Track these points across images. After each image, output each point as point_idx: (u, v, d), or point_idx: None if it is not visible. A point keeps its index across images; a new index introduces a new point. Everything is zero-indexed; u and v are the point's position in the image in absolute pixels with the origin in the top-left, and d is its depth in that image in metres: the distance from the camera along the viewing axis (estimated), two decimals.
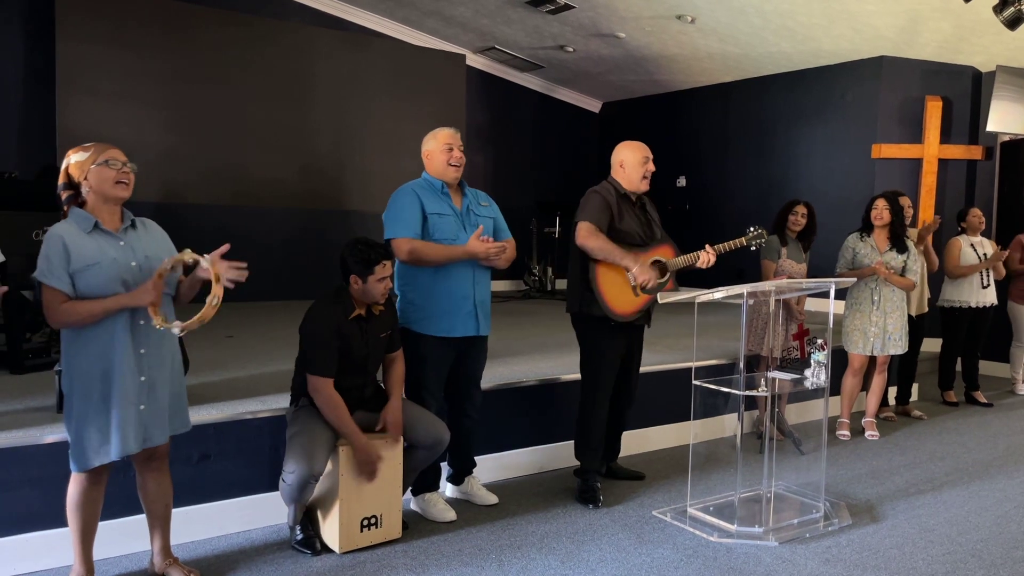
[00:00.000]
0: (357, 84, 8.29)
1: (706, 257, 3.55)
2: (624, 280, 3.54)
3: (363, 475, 3.01)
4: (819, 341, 3.56)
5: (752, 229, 3.69)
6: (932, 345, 6.26)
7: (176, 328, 2.36)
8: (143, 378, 2.49)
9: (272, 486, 3.22)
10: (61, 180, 2.46)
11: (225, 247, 2.48)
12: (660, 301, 3.50)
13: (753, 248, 3.76)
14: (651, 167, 3.65)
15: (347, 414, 2.98)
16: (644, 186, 3.64)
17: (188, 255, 2.43)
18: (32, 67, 6.83)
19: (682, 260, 3.61)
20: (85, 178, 2.43)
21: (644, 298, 3.57)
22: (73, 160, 2.45)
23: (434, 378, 3.36)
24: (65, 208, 2.47)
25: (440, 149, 3.36)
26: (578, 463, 3.77)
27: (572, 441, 4.11)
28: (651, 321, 3.76)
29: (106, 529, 2.77)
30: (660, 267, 3.59)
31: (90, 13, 6.81)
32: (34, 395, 3.43)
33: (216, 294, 2.33)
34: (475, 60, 9.48)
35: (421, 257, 3.23)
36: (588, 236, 3.48)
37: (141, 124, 7.03)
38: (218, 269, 2.36)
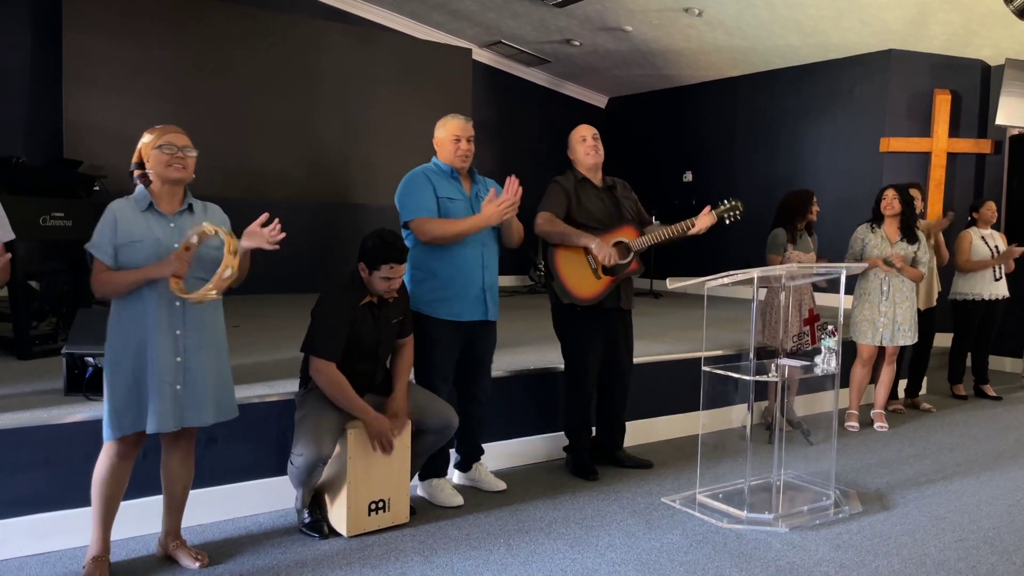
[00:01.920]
0: (363, 78, 8.29)
1: (700, 225, 3.62)
2: (584, 263, 3.64)
3: (380, 447, 2.99)
4: (830, 327, 3.54)
5: (724, 202, 3.69)
6: (942, 339, 6.23)
7: (192, 297, 2.40)
8: (179, 359, 2.52)
9: (280, 470, 3.21)
10: (134, 159, 2.56)
11: (264, 216, 2.58)
12: (670, 287, 3.48)
13: (728, 222, 3.74)
14: (592, 143, 3.80)
15: (352, 391, 2.96)
16: (590, 160, 3.78)
17: (208, 227, 2.45)
18: (39, 59, 6.84)
19: (647, 239, 3.69)
20: (148, 159, 2.53)
21: (606, 280, 3.63)
22: (143, 141, 2.55)
23: (445, 362, 3.35)
24: (134, 186, 2.57)
25: (449, 139, 3.37)
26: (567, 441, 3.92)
27: None
28: (631, 303, 3.81)
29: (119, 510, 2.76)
30: (623, 248, 3.66)
31: (97, 5, 6.82)
32: (42, 379, 3.42)
33: (228, 264, 2.37)
34: (481, 54, 9.47)
35: (440, 233, 3.24)
36: (544, 223, 3.63)
37: (147, 117, 6.94)
38: (233, 241, 2.40)
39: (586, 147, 3.80)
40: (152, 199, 2.53)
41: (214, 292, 2.40)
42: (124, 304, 2.49)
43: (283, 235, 2.56)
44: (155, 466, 2.78)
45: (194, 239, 2.45)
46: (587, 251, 3.65)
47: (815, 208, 4.82)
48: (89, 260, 2.48)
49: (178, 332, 2.53)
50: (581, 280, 3.64)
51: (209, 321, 2.62)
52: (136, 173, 2.57)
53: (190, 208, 2.60)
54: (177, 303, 2.51)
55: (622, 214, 3.80)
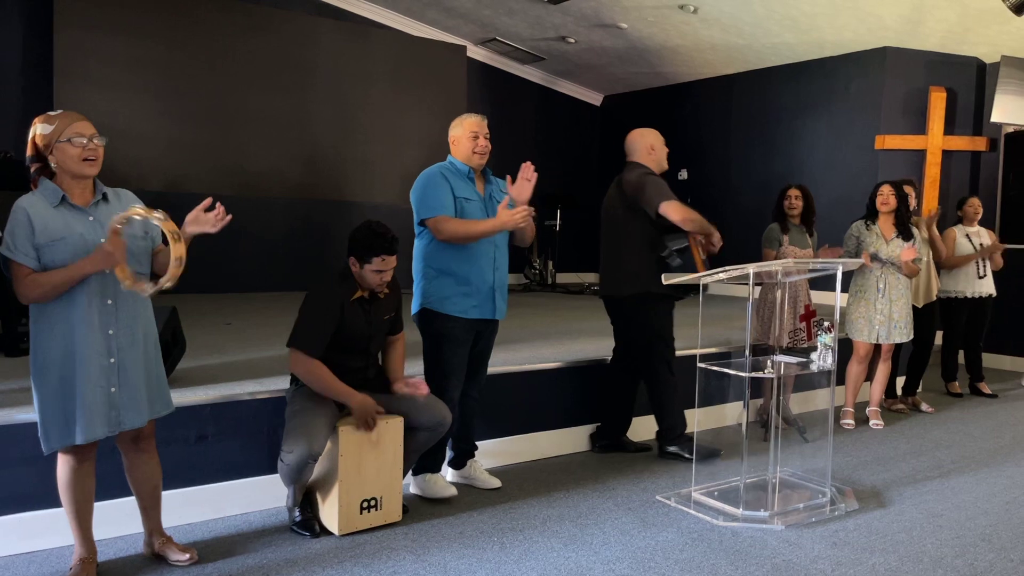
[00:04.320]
0: (358, 75, 8.25)
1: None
2: (697, 253, 3.82)
3: (362, 427, 2.95)
4: (826, 323, 3.52)
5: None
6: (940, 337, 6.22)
7: (148, 288, 2.29)
8: (112, 360, 2.38)
9: (271, 468, 3.17)
10: (28, 152, 2.34)
11: (207, 201, 2.42)
12: (665, 282, 3.46)
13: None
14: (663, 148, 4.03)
15: (332, 376, 2.92)
16: (666, 165, 4.03)
17: (136, 210, 2.29)
18: (31, 54, 6.78)
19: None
20: (51, 152, 2.31)
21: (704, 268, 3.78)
22: (38, 131, 2.33)
23: (456, 358, 3.33)
24: (34, 180, 2.37)
25: (466, 136, 3.36)
26: (678, 431, 4.03)
27: (573, 428, 4.10)
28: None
29: (101, 510, 2.73)
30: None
31: (89, 0, 6.76)
32: (27, 376, 3.36)
33: (179, 254, 2.25)
34: (476, 52, 9.44)
35: (459, 233, 3.22)
36: (679, 209, 3.74)
37: (140, 113, 6.99)
38: (172, 226, 2.26)
39: (662, 149, 4.02)
40: (63, 192, 2.33)
41: (169, 282, 2.26)
42: (48, 306, 2.31)
43: (228, 218, 2.41)
44: None
45: (118, 224, 2.28)
46: (694, 240, 3.83)
47: (788, 203, 4.78)
48: (3, 265, 2.29)
49: (111, 331, 2.37)
50: (702, 266, 3.80)
51: (140, 312, 2.47)
52: (34, 167, 2.35)
53: (104, 198, 2.43)
54: (109, 300, 2.37)
55: None
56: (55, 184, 2.35)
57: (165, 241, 2.39)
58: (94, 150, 2.34)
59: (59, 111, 2.40)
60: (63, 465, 2.46)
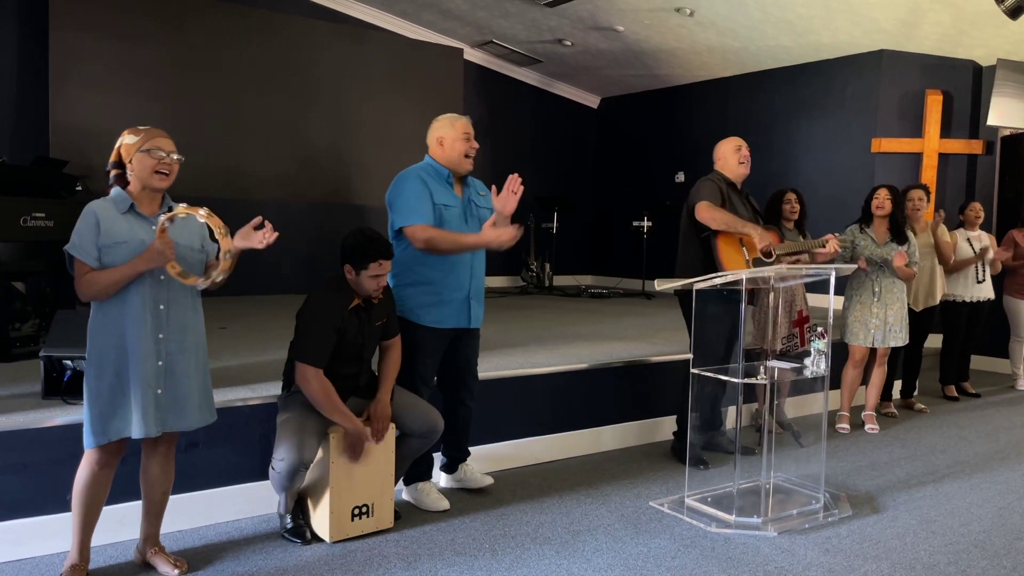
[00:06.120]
0: (354, 78, 8.25)
1: (830, 248, 4.14)
2: (738, 250, 3.89)
3: (347, 452, 2.94)
4: (819, 329, 3.51)
5: (843, 237, 4.21)
6: (933, 340, 6.21)
7: (200, 282, 2.43)
8: (161, 363, 2.48)
9: (262, 475, 3.16)
10: (112, 158, 2.50)
11: (259, 219, 2.56)
12: (658, 288, 3.46)
13: (840, 251, 4.24)
14: (745, 153, 4.08)
15: (338, 399, 2.92)
16: (743, 170, 4.07)
17: (181, 209, 2.42)
18: (25, 57, 6.77)
19: (788, 246, 4.10)
20: (130, 161, 2.47)
21: (751, 269, 3.83)
22: (125, 141, 2.49)
23: (427, 367, 3.31)
24: (111, 186, 2.52)
25: (459, 137, 3.26)
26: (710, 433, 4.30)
27: (567, 433, 4.09)
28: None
29: None
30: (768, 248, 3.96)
31: (84, 3, 6.75)
32: (21, 382, 3.37)
33: (226, 248, 2.39)
34: (472, 54, 9.43)
35: (438, 245, 3.15)
36: (708, 209, 3.84)
37: (134, 116, 6.92)
38: (217, 221, 2.40)
39: (740, 156, 4.06)
40: (132, 201, 2.48)
41: (222, 275, 2.42)
42: (105, 306, 2.44)
43: (276, 235, 2.54)
44: (134, 471, 2.73)
45: (166, 223, 2.42)
46: (741, 241, 3.92)
47: (789, 207, 4.79)
48: (68, 263, 2.43)
49: (160, 335, 2.48)
50: (734, 264, 3.87)
51: (191, 323, 2.58)
52: (113, 173, 2.51)
53: (170, 211, 2.54)
54: (161, 306, 2.48)
55: (759, 222, 4.09)
56: (126, 192, 2.49)
57: (214, 239, 2.52)
58: (169, 165, 2.49)
59: (147, 126, 2.55)
60: (86, 466, 2.50)
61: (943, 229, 5.54)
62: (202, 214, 2.40)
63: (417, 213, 3.16)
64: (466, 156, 3.28)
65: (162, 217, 2.42)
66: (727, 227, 3.85)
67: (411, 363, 3.28)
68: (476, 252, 3.33)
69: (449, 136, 3.27)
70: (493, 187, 3.29)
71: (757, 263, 3.90)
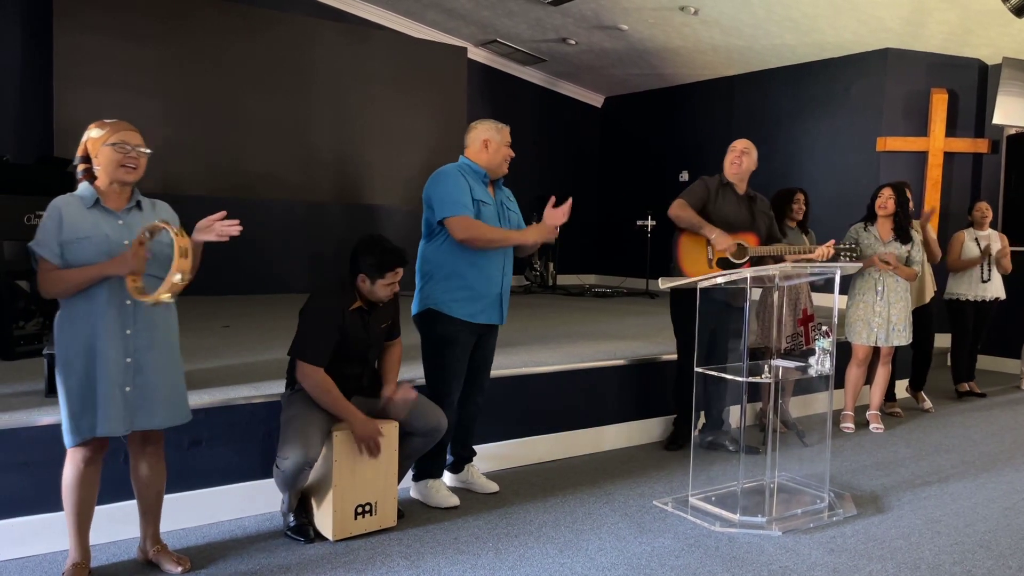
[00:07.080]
0: (357, 77, 8.24)
1: (818, 253, 3.99)
2: (702, 251, 3.99)
3: (367, 451, 2.95)
4: (824, 327, 3.49)
5: (846, 243, 4.19)
6: (941, 339, 6.19)
7: (146, 299, 2.31)
8: (129, 359, 2.43)
9: (265, 473, 3.16)
10: (79, 152, 2.46)
11: (222, 213, 2.48)
12: (662, 286, 3.46)
13: (843, 259, 4.15)
14: (736, 155, 4.13)
15: (340, 394, 2.92)
16: (734, 170, 4.13)
17: (161, 223, 2.36)
18: (30, 56, 6.78)
19: (765, 249, 4.05)
20: (96, 155, 2.43)
21: (716, 270, 3.90)
22: (91, 135, 2.45)
23: (459, 362, 3.31)
24: (78, 180, 2.47)
25: (504, 143, 3.35)
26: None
27: (570, 431, 4.08)
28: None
29: (95, 514, 2.70)
30: (742, 249, 3.99)
31: (88, 3, 6.76)
32: (24, 380, 3.37)
33: (179, 268, 2.26)
34: (477, 53, 9.43)
35: (479, 236, 3.19)
36: (677, 208, 4.00)
37: (138, 114, 6.94)
38: (184, 242, 2.29)
39: (731, 157, 4.16)
40: (99, 196, 2.42)
41: (167, 296, 2.29)
42: (72, 303, 2.39)
43: (239, 230, 2.46)
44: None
45: (146, 234, 2.36)
46: (708, 242, 4.00)
47: (798, 207, 4.79)
48: (33, 260, 2.38)
49: (128, 331, 2.42)
50: (694, 263, 4.01)
51: (161, 320, 2.51)
52: (81, 167, 2.45)
53: (138, 205, 2.50)
54: (128, 301, 2.41)
55: (754, 223, 4.14)
56: (93, 187, 2.44)
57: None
58: (135, 159, 2.44)
59: (113, 120, 2.50)
60: (70, 465, 2.48)
61: (929, 228, 5.51)
62: (174, 231, 2.31)
63: (461, 205, 3.20)
64: (505, 160, 3.36)
65: (143, 229, 2.37)
66: (689, 226, 3.99)
67: (440, 358, 3.29)
68: (508, 253, 3.39)
69: (496, 140, 3.34)
70: (552, 198, 3.42)
71: (724, 264, 3.97)
